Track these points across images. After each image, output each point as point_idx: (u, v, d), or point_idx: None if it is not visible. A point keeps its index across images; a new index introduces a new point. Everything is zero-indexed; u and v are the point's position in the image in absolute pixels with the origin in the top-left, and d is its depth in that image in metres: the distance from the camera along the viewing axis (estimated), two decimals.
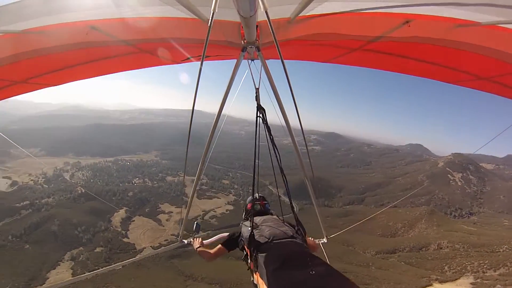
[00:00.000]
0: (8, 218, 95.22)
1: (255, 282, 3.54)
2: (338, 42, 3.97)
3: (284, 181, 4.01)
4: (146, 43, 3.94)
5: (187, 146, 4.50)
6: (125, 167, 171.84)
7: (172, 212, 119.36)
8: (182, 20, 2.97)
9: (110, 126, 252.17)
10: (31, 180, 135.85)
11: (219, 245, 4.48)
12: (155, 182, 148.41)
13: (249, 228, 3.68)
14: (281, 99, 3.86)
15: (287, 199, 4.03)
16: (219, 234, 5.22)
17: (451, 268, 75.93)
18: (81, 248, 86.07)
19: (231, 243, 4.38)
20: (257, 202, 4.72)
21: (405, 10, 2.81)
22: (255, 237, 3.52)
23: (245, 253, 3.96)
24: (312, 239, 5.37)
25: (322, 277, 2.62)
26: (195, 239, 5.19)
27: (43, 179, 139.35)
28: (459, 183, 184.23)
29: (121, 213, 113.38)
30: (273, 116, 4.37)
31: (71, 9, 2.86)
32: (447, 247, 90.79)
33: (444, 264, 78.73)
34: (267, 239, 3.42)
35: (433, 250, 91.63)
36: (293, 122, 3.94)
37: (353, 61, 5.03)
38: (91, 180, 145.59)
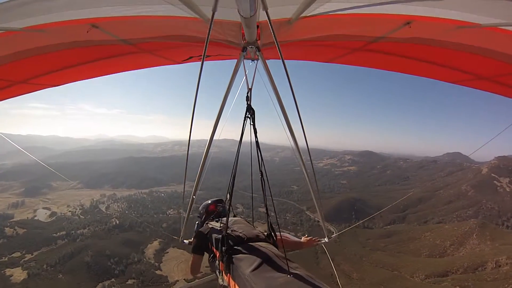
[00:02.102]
0: (45, 247, 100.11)
1: (224, 284, 3.37)
2: (339, 43, 4.05)
3: (263, 184, 3.88)
4: (147, 42, 4.05)
5: (187, 151, 4.58)
6: (160, 198, 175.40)
7: None
8: (183, 20, 3.02)
9: (144, 159, 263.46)
10: (69, 211, 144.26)
11: (192, 255, 4.22)
12: (190, 214, 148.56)
13: (219, 228, 3.75)
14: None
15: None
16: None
17: None
18: (113, 279, 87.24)
19: (201, 247, 4.12)
20: (219, 204, 4.73)
21: (406, 11, 2.86)
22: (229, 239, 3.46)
23: (212, 254, 3.84)
24: (311, 239, 5.45)
25: (301, 280, 2.61)
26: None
27: (80, 210, 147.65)
28: (508, 189, 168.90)
29: (155, 244, 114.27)
30: (275, 119, 4.36)
31: (72, 6, 2.81)
32: (507, 264, 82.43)
33: (506, 285, 71.47)
34: (241, 241, 3.41)
35: (491, 269, 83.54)
36: (295, 121, 3.84)
37: (354, 61, 5.13)
38: (126, 212, 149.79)
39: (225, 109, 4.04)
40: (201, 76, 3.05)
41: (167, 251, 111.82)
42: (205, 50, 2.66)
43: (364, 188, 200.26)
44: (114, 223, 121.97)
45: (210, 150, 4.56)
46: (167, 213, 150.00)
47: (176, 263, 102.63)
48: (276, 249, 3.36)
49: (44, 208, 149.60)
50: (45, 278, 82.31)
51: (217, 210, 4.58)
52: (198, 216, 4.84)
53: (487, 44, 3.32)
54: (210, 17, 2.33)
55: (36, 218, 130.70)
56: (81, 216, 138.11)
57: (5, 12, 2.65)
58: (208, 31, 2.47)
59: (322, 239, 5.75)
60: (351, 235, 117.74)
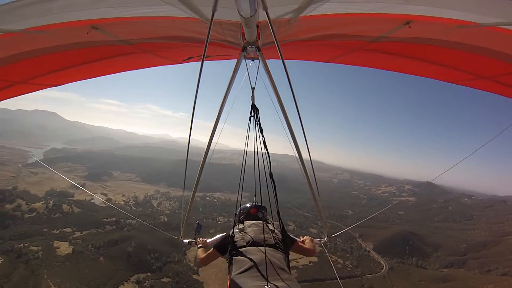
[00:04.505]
0: (94, 229, 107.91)
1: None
2: (339, 43, 4.13)
3: (272, 186, 4.08)
4: (147, 43, 4.18)
5: (187, 155, 4.91)
6: (212, 204, 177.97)
7: None
8: (183, 20, 3.12)
9: (199, 163, 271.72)
10: (123, 200, 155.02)
11: (212, 248, 4.47)
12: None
13: (231, 230, 3.94)
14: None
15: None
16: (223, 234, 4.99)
17: None
18: (149, 273, 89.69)
19: (223, 246, 4.20)
20: (261, 211, 4.66)
21: (405, 11, 2.92)
22: (236, 240, 3.70)
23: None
24: (310, 240, 5.20)
25: None
26: (199, 239, 5.36)
27: (133, 202, 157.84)
28: None
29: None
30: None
31: (72, 8, 2.90)
32: None
33: None
34: (245, 243, 3.58)
35: None
36: (295, 120, 3.91)
37: (354, 61, 5.20)
38: (176, 211, 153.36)
39: (225, 109, 4.22)
40: (201, 76, 3.15)
41: None
42: (205, 50, 2.75)
43: (422, 222, 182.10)
44: (162, 219, 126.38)
45: (209, 150, 4.82)
46: (217, 219, 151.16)
47: (215, 272, 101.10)
48: (281, 255, 3.49)
49: (101, 193, 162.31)
50: (87, 258, 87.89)
51: (257, 215, 4.47)
52: (235, 214, 4.66)
53: (487, 44, 3.36)
54: (210, 17, 2.41)
55: (92, 201, 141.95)
56: (133, 207, 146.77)
57: (6, 14, 2.72)
58: (208, 31, 2.56)
59: (322, 238, 5.90)
60: (402, 273, 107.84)
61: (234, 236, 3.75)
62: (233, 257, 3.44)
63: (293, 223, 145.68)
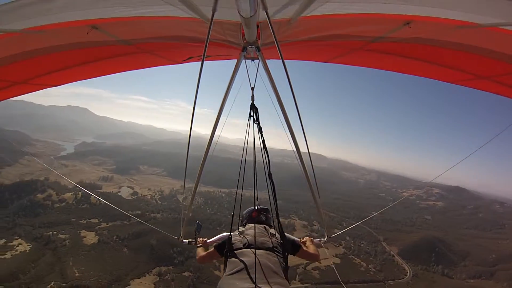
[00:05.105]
0: (119, 221, 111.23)
1: None
2: (339, 43, 4.14)
3: (271, 186, 4.09)
4: (147, 43, 4.20)
5: (187, 152, 4.96)
6: (237, 200, 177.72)
7: None
8: (183, 20, 3.14)
9: (228, 160, 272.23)
10: (149, 194, 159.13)
11: (212, 248, 4.51)
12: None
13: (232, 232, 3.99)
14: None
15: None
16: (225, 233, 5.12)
17: None
18: (170, 267, 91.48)
19: (223, 246, 4.15)
20: (263, 213, 4.77)
21: (405, 11, 2.93)
22: (233, 242, 3.75)
23: None
24: (310, 240, 5.12)
25: None
26: (199, 238, 5.43)
27: (159, 196, 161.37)
28: None
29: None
30: (276, 118, 4.63)
31: (72, 8, 2.92)
32: None
33: None
34: (241, 245, 3.62)
35: None
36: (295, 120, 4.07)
37: (354, 61, 5.23)
38: (201, 207, 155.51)
39: (226, 109, 4.33)
40: (201, 76, 3.18)
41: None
42: (205, 50, 2.78)
43: (449, 229, 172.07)
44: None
45: (209, 150, 4.99)
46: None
47: None
48: (277, 259, 3.48)
49: (128, 186, 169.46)
50: (111, 248, 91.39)
51: (259, 218, 4.55)
52: (239, 219, 4.83)
53: (487, 44, 3.38)
54: (210, 17, 2.44)
55: (119, 193, 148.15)
56: (158, 201, 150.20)
57: (5, 14, 2.74)
58: (208, 31, 2.59)
59: (322, 238, 5.81)
60: (427, 281, 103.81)
61: (231, 238, 3.78)
62: (228, 259, 3.51)
63: (318, 223, 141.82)
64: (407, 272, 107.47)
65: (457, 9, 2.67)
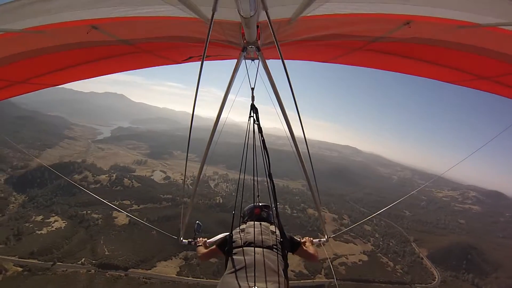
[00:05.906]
0: (150, 204, 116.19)
1: None
2: (339, 42, 4.14)
3: (271, 186, 4.06)
4: (147, 43, 4.25)
5: (187, 148, 4.90)
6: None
7: None
8: (183, 20, 3.16)
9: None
10: (181, 179, 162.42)
11: (214, 246, 4.54)
12: (295, 212, 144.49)
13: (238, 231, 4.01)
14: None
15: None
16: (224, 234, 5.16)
17: None
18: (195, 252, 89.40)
19: (224, 244, 4.16)
20: (265, 210, 4.79)
21: (405, 11, 2.93)
22: (234, 240, 3.78)
23: None
24: (309, 241, 5.05)
25: None
26: (199, 238, 5.51)
27: (191, 181, 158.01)
28: None
29: None
30: (275, 117, 4.68)
31: (72, 8, 2.94)
32: None
33: None
34: (242, 244, 3.65)
35: None
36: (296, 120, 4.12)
37: (354, 61, 5.24)
38: (233, 194, 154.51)
39: (226, 109, 4.36)
40: (201, 76, 3.20)
41: None
42: (205, 50, 2.80)
43: (484, 236, 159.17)
44: (218, 201, 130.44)
45: (209, 150, 5.05)
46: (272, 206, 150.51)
47: None
48: (276, 257, 3.49)
49: (161, 170, 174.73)
50: (141, 230, 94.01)
51: (261, 215, 4.59)
52: (241, 216, 4.87)
53: (487, 44, 3.39)
54: (210, 17, 2.46)
55: (152, 177, 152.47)
56: (190, 186, 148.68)
57: (6, 14, 2.76)
58: (208, 31, 2.61)
59: (322, 239, 5.70)
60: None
61: (232, 236, 3.82)
62: (229, 257, 3.52)
63: (348, 217, 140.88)
64: (436, 277, 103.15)
65: (458, 9, 2.66)
